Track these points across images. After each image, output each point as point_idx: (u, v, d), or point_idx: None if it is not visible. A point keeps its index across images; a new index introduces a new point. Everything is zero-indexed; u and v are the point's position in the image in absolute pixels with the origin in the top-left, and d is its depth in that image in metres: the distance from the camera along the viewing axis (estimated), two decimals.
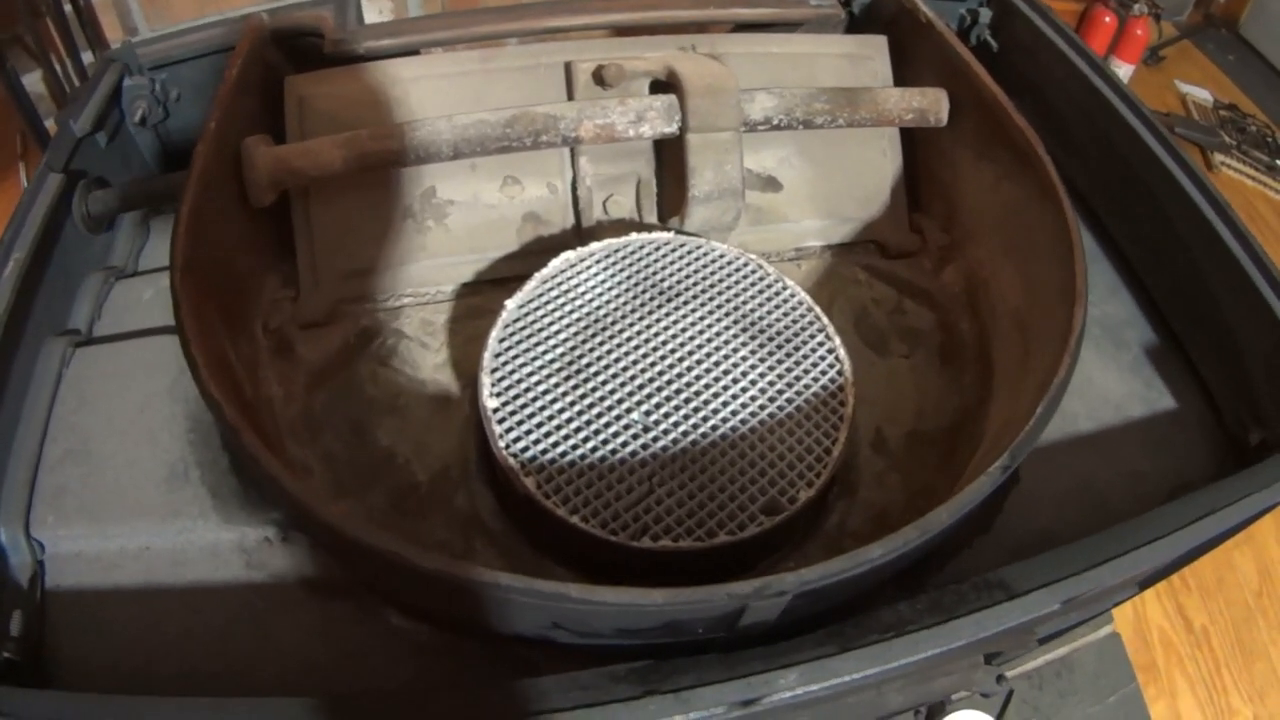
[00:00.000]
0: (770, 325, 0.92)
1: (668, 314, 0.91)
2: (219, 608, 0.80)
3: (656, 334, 0.90)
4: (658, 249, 0.97)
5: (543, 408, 0.84)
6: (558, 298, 0.92)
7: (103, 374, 0.90)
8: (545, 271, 0.93)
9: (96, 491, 0.83)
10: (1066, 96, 1.13)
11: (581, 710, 0.63)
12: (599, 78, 1.00)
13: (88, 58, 1.46)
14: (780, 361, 0.89)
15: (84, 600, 0.80)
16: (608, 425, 0.83)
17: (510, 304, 0.91)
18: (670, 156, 1.02)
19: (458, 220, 1.03)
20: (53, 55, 1.48)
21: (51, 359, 0.89)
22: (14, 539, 0.79)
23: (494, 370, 0.86)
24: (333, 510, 0.67)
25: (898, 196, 1.12)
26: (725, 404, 0.85)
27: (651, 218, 1.06)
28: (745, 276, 0.96)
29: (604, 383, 0.86)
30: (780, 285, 0.95)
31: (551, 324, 0.90)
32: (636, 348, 0.89)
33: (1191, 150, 2.20)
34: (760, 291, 0.94)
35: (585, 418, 0.84)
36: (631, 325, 0.90)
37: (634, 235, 0.98)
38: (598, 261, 0.95)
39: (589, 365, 0.87)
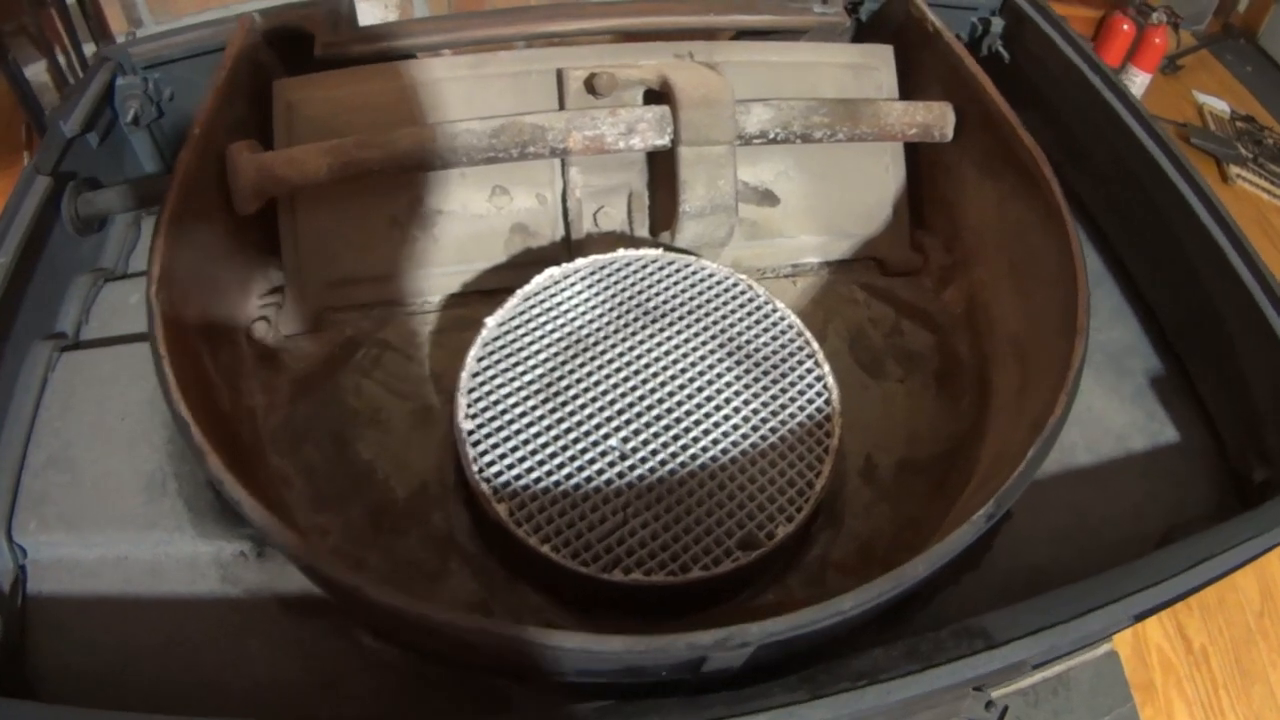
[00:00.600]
0: (758, 350, 0.90)
1: (652, 335, 0.90)
2: (194, 621, 0.80)
3: (639, 356, 0.88)
4: (645, 267, 0.95)
5: (519, 431, 0.83)
6: (539, 316, 0.90)
7: (87, 380, 0.90)
8: (528, 288, 0.92)
9: (77, 499, 0.83)
10: (1078, 110, 1.09)
11: None
12: (591, 86, 0.98)
13: (91, 49, 1.45)
14: (766, 389, 0.87)
15: (64, 607, 0.80)
16: (584, 451, 0.82)
17: (490, 321, 0.89)
18: (663, 169, 1.00)
19: (445, 230, 1.01)
20: (56, 46, 1.47)
21: (37, 363, 0.89)
22: None
23: (471, 391, 0.85)
24: (291, 537, 0.66)
25: (900, 213, 1.09)
26: (707, 432, 0.84)
27: (643, 231, 1.04)
28: (734, 298, 0.93)
29: (583, 406, 0.84)
30: (770, 308, 0.93)
31: (532, 343, 0.88)
32: (618, 370, 0.87)
33: (1207, 162, 2.15)
34: (749, 314, 0.92)
35: (562, 443, 0.82)
36: (614, 346, 0.89)
37: (621, 252, 0.96)
38: (582, 279, 0.93)
39: (568, 388, 0.86)
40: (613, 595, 0.78)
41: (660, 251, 0.97)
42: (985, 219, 1.03)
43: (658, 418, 0.84)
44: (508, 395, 0.85)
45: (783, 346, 0.90)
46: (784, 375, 0.88)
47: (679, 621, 0.77)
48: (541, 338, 0.89)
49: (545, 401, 0.85)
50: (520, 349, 0.88)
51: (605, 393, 0.85)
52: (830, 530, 0.90)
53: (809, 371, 0.89)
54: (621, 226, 1.04)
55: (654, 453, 0.82)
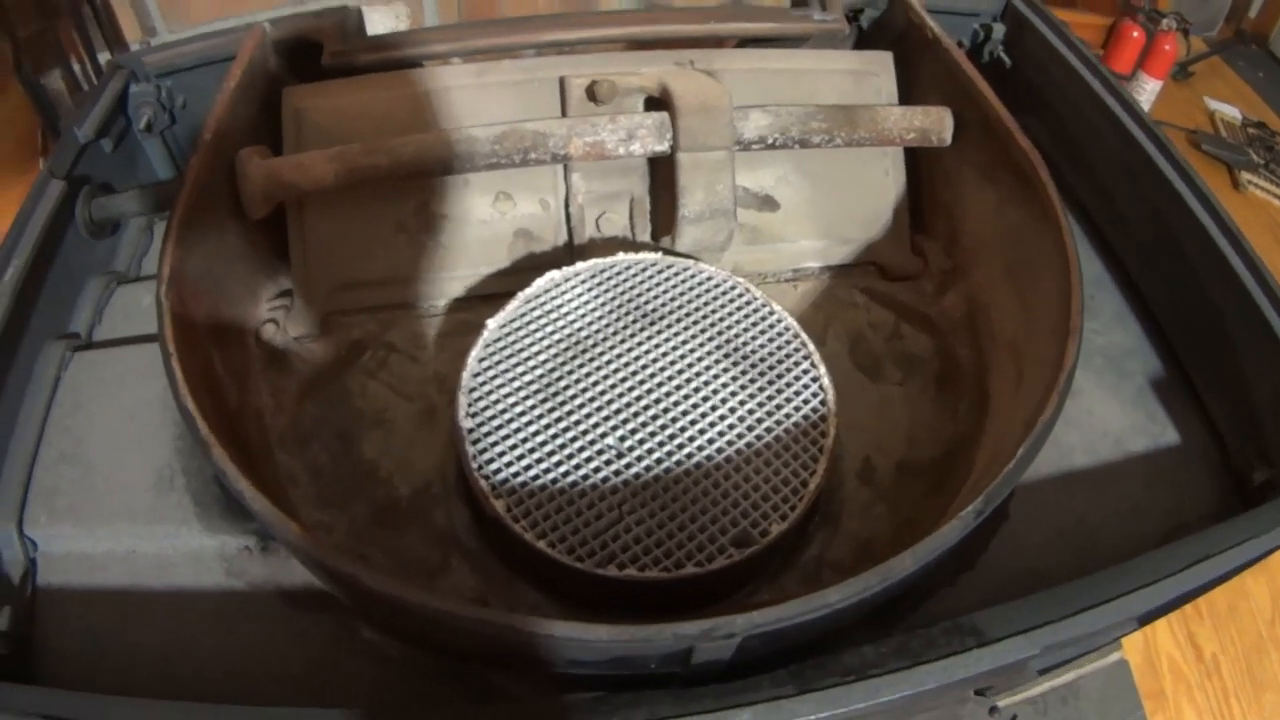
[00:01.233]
0: (755, 351, 0.91)
1: (650, 337, 0.91)
2: (198, 613, 0.82)
3: (637, 357, 0.89)
4: (644, 270, 0.96)
5: (517, 430, 0.84)
6: (540, 318, 0.92)
7: (98, 379, 0.93)
8: (529, 291, 0.93)
9: (87, 494, 0.86)
10: (1079, 115, 1.10)
11: None
12: (592, 94, 0.99)
13: (106, 58, 1.49)
14: (762, 389, 0.88)
15: (72, 599, 0.82)
16: (581, 450, 0.83)
17: (492, 323, 0.91)
18: (663, 175, 1.01)
19: (450, 235, 1.03)
20: (72, 55, 1.50)
21: (50, 362, 0.92)
22: (7, 536, 0.82)
23: (471, 390, 0.86)
24: (292, 526, 0.68)
25: (900, 218, 1.10)
26: (702, 431, 0.85)
27: (645, 236, 1.05)
28: (732, 300, 0.95)
29: (580, 406, 0.86)
30: (768, 310, 0.94)
31: (532, 344, 0.90)
32: (616, 371, 0.88)
33: (1219, 169, 2.14)
34: (746, 316, 0.93)
35: (559, 441, 0.83)
36: (613, 348, 0.90)
37: (621, 255, 0.97)
38: (583, 281, 0.95)
39: (567, 388, 0.87)
40: (608, 592, 0.79)
41: (659, 255, 0.98)
42: (984, 223, 1.04)
43: (654, 417, 0.85)
44: (507, 395, 0.86)
45: (779, 348, 0.91)
46: (780, 376, 0.89)
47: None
48: (542, 339, 0.90)
49: (544, 401, 0.86)
50: (521, 350, 0.90)
51: (603, 393, 0.87)
52: (827, 530, 0.91)
53: (805, 372, 0.90)
54: (623, 232, 1.05)
55: (650, 451, 0.83)
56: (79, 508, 0.85)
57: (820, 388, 0.89)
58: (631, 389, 0.87)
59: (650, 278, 0.96)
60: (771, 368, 0.90)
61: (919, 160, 1.11)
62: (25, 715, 0.65)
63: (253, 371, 0.96)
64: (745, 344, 0.91)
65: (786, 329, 0.93)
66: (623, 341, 0.91)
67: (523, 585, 0.85)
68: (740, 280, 0.96)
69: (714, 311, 0.94)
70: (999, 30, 1.18)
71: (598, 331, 0.91)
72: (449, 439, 0.95)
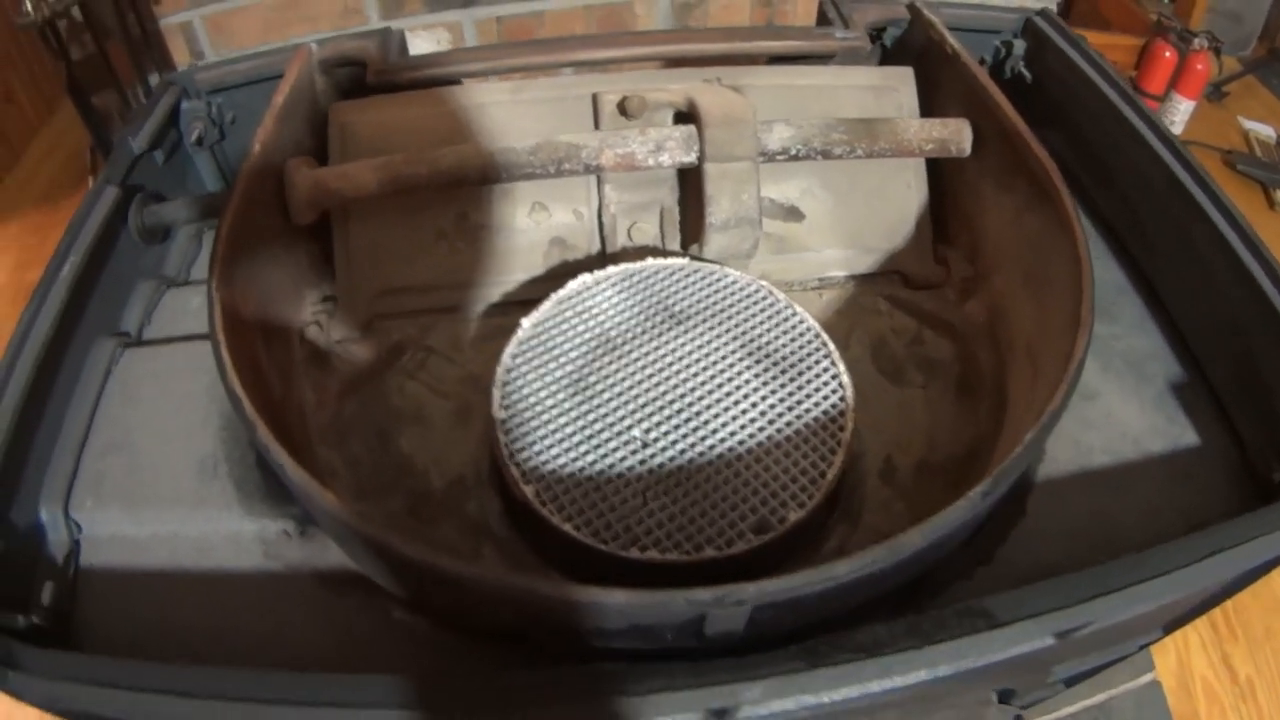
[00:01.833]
0: (777, 350, 0.94)
1: (676, 336, 0.94)
2: (236, 594, 0.86)
3: (664, 355, 0.93)
4: (672, 274, 1.00)
5: (548, 420, 0.87)
6: (571, 317, 0.96)
7: (147, 373, 0.98)
8: (562, 292, 0.97)
9: (133, 480, 0.91)
10: (1099, 128, 1.12)
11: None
12: (623, 109, 1.04)
13: (156, 80, 1.57)
14: (783, 385, 0.91)
15: (113, 580, 0.86)
16: (608, 440, 0.86)
17: (526, 322, 0.95)
18: (691, 185, 1.05)
19: (488, 243, 1.07)
20: (122, 77, 1.59)
21: (101, 357, 0.98)
22: (54, 518, 0.87)
23: (505, 384, 0.90)
24: (327, 495, 0.72)
25: (922, 228, 1.13)
26: (724, 424, 0.88)
27: (674, 245, 1.09)
28: (756, 302, 0.98)
29: (608, 400, 0.89)
30: (790, 311, 0.97)
31: (564, 342, 0.94)
32: (643, 367, 0.92)
33: (1253, 188, 2.15)
34: (769, 317, 0.96)
35: (587, 432, 0.87)
36: (640, 346, 0.93)
37: (650, 260, 1.01)
38: (613, 285, 0.99)
39: (596, 382, 0.90)
40: (630, 575, 0.82)
41: (686, 260, 1.02)
42: (1003, 231, 1.06)
43: (679, 411, 0.88)
44: (539, 389, 0.90)
45: (801, 347, 0.94)
46: (801, 374, 0.92)
47: None
48: (573, 337, 0.94)
49: (574, 395, 0.90)
50: (552, 347, 0.93)
51: (630, 387, 0.90)
52: (847, 525, 0.93)
53: (825, 370, 0.92)
54: (654, 241, 1.09)
55: (674, 442, 0.86)
56: (124, 493, 0.90)
57: (840, 385, 0.91)
58: (657, 384, 0.90)
59: (677, 281, 1.00)
60: (793, 365, 0.93)
61: (942, 172, 1.14)
62: (63, 680, 0.69)
63: (296, 369, 1.01)
64: (768, 343, 0.94)
65: (808, 329, 0.96)
66: (650, 340, 0.94)
67: (550, 570, 0.88)
68: (764, 283, 0.99)
69: (738, 313, 0.97)
70: (1019, 47, 1.22)
71: (626, 331, 0.95)
72: (483, 435, 0.99)
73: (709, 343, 0.94)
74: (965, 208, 1.13)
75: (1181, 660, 1.48)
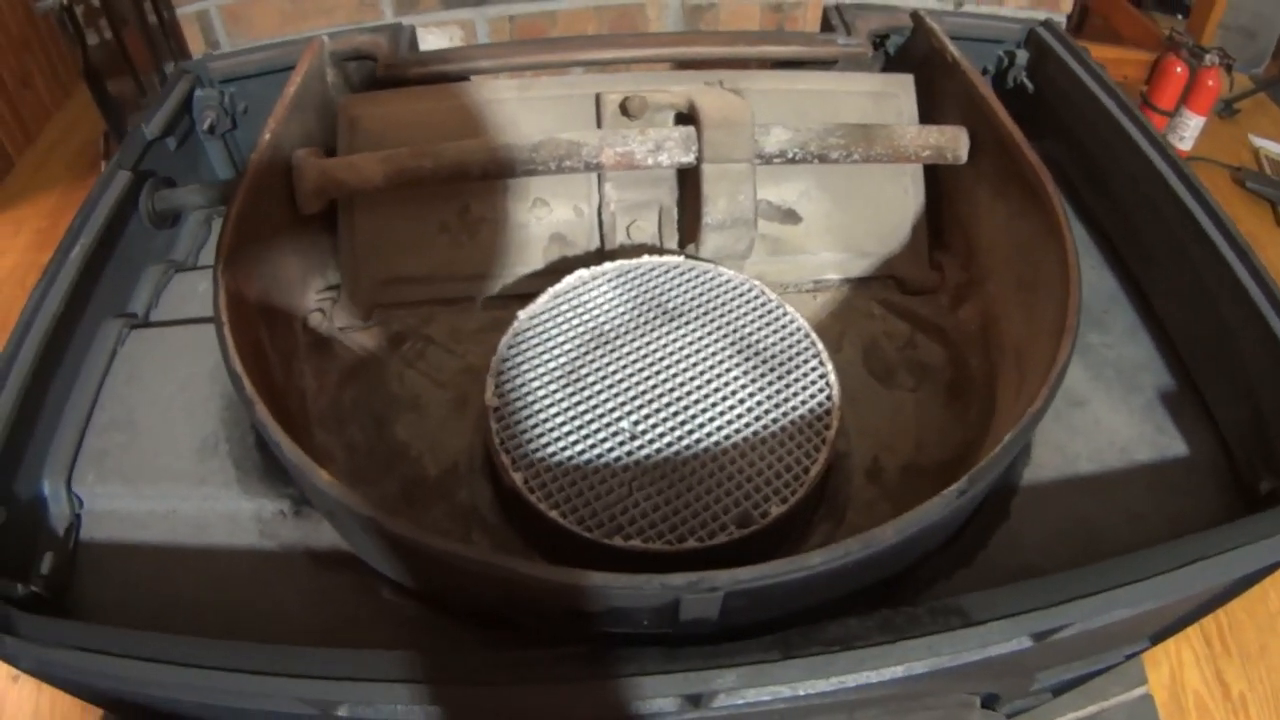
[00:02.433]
0: (766, 348, 0.95)
1: (668, 332, 0.96)
2: (231, 570, 0.88)
3: (655, 350, 0.94)
4: (666, 272, 1.02)
5: (539, 410, 0.89)
6: (566, 311, 0.97)
7: (152, 354, 1.01)
8: (558, 287, 0.99)
9: (135, 457, 0.93)
10: (1098, 139, 1.13)
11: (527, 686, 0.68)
12: (625, 109, 1.06)
13: (171, 68, 1.59)
14: (771, 383, 0.92)
15: (112, 553, 0.89)
16: (597, 430, 0.88)
17: (522, 314, 0.97)
18: (688, 185, 1.07)
19: (489, 237, 1.10)
20: (138, 65, 1.61)
21: (108, 337, 1.01)
22: (56, 491, 0.89)
23: (499, 373, 0.92)
24: (320, 471, 0.74)
25: (918, 233, 1.14)
26: (711, 419, 0.89)
27: (672, 243, 1.11)
28: (748, 301, 0.99)
29: (599, 392, 0.91)
30: (780, 311, 0.98)
31: (558, 335, 0.95)
32: (634, 361, 0.93)
33: (1262, 206, 2.14)
34: (760, 316, 0.98)
35: (577, 423, 0.89)
36: (632, 340, 0.95)
37: (646, 258, 1.03)
38: (609, 280, 1.00)
39: (588, 375, 0.92)
40: (615, 564, 0.83)
41: (681, 259, 1.04)
42: (996, 237, 1.07)
43: (667, 404, 0.90)
44: (532, 379, 0.92)
45: (790, 346, 0.96)
46: (789, 371, 0.93)
47: None
48: (567, 330, 0.96)
49: (565, 386, 0.91)
50: (547, 339, 0.95)
51: (621, 381, 0.92)
52: (831, 523, 0.94)
53: (813, 369, 0.94)
54: (652, 239, 1.11)
55: (661, 435, 0.88)
56: (125, 469, 0.92)
57: (827, 384, 0.93)
58: (648, 378, 0.92)
59: (672, 278, 1.01)
60: (781, 364, 0.94)
61: (940, 178, 1.16)
62: (60, 647, 0.71)
63: (298, 355, 1.03)
64: (758, 341, 0.96)
65: (798, 329, 0.97)
66: (642, 335, 0.96)
67: (537, 557, 0.90)
68: (756, 283, 1.01)
69: (730, 311, 0.98)
70: (1022, 57, 1.23)
71: (619, 325, 0.97)
72: (477, 425, 1.01)
73: (700, 339, 0.96)
74: (961, 214, 1.14)
75: (1174, 674, 1.49)
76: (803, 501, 0.86)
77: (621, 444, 0.87)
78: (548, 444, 0.87)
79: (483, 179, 1.03)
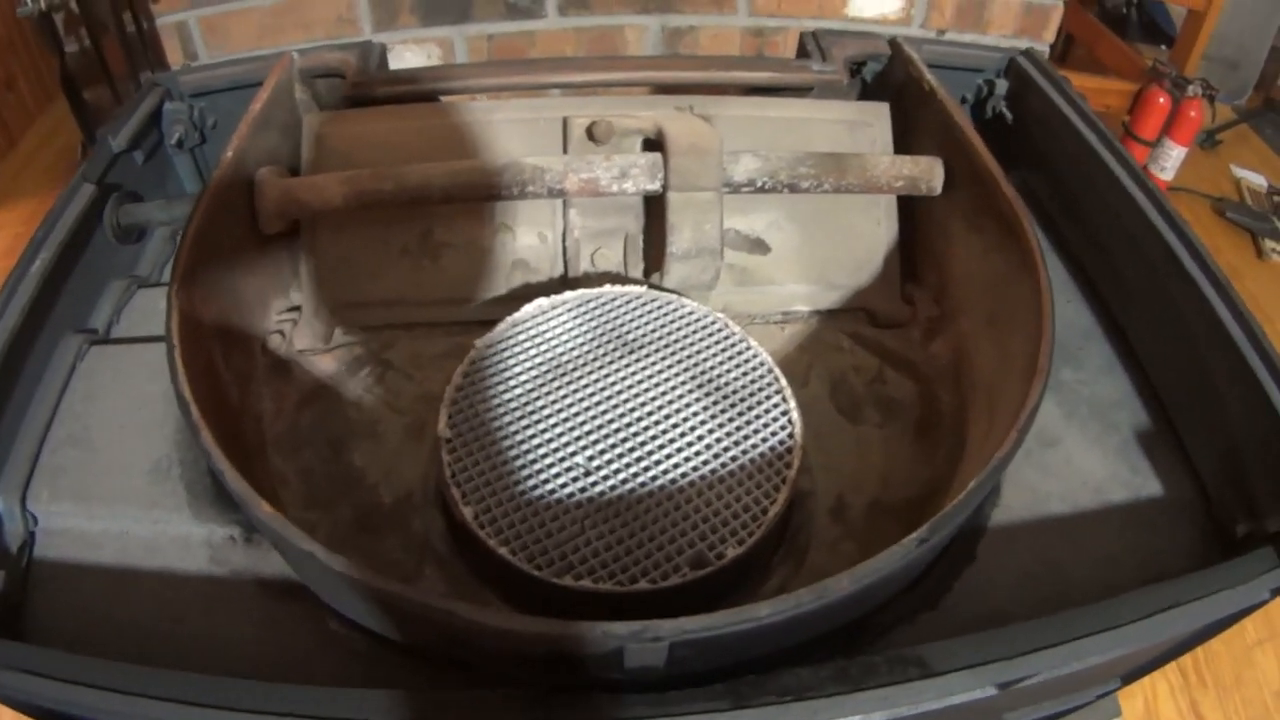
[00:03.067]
0: (728, 383, 0.93)
1: (628, 365, 0.94)
2: (182, 595, 0.86)
3: (614, 383, 0.93)
4: (629, 302, 1.00)
5: (493, 443, 0.88)
6: (524, 341, 0.96)
7: (111, 371, 1.00)
8: (517, 315, 0.98)
9: (89, 476, 0.92)
10: (1077, 171, 1.12)
11: None
12: (591, 134, 1.04)
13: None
14: (732, 419, 0.91)
15: (65, 573, 0.87)
16: (551, 466, 0.86)
17: (479, 343, 0.95)
18: (655, 214, 1.05)
19: (452, 262, 1.08)
20: (116, 74, 1.60)
21: (67, 353, 0.99)
22: (10, 509, 0.88)
23: (453, 403, 0.90)
24: (262, 502, 0.72)
25: (891, 265, 1.12)
26: (669, 456, 0.87)
27: (637, 272, 1.09)
28: (710, 334, 0.98)
29: (554, 425, 0.89)
30: (744, 345, 0.96)
31: (515, 365, 0.94)
32: (592, 395, 0.92)
33: (1242, 237, 2.13)
34: (723, 350, 0.96)
35: (531, 457, 0.87)
36: (591, 373, 0.93)
37: (608, 287, 1.01)
38: (569, 310, 0.99)
39: (544, 407, 0.90)
40: (564, 603, 0.82)
41: (644, 289, 1.02)
42: (970, 271, 1.06)
43: (624, 440, 0.88)
44: (486, 410, 0.90)
45: (752, 381, 0.94)
46: (750, 408, 0.92)
47: None
48: (524, 361, 0.94)
49: (520, 418, 0.90)
50: (503, 369, 0.93)
51: (577, 414, 0.90)
52: (791, 564, 0.92)
53: (775, 406, 0.92)
54: (617, 267, 1.09)
55: (616, 471, 0.86)
56: (79, 488, 0.91)
57: (789, 421, 0.91)
58: (605, 412, 0.90)
59: (634, 309, 1.00)
60: (743, 399, 0.92)
61: (915, 210, 1.14)
62: (8, 669, 0.69)
63: (256, 377, 1.02)
64: (719, 376, 0.94)
65: (761, 364, 0.95)
66: (601, 368, 0.94)
67: (488, 594, 0.88)
68: (720, 315, 0.99)
69: (691, 344, 0.97)
70: (1002, 86, 1.21)
71: (578, 357, 0.95)
72: (433, 453, 0.99)
73: (660, 373, 0.94)
74: (935, 247, 1.12)
75: (1149, 706, 1.47)
76: (760, 543, 0.84)
77: (575, 480, 0.85)
78: (500, 478, 0.85)
79: (445, 202, 1.02)
